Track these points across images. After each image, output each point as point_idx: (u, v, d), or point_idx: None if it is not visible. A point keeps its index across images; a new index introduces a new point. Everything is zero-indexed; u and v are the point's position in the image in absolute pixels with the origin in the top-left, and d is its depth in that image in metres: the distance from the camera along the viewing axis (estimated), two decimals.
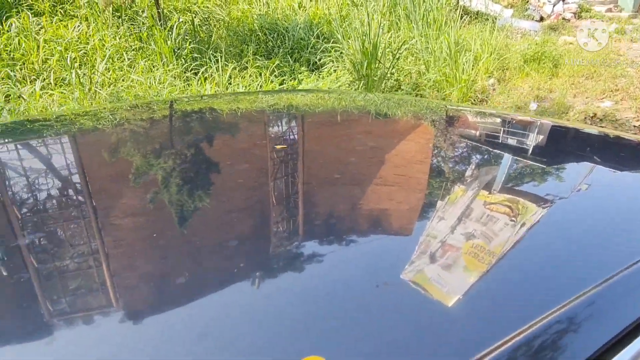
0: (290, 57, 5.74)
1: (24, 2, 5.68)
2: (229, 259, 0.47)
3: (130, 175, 0.64)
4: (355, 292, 0.43)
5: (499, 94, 5.33)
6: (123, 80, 5.04)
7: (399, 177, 0.58)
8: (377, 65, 4.84)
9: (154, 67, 5.21)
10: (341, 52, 5.15)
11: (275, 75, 5.30)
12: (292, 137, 0.75)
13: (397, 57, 4.90)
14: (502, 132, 0.83)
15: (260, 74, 5.25)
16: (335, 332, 0.37)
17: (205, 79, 5.23)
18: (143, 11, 5.74)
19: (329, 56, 5.32)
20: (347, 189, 0.57)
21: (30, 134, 0.89)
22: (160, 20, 5.51)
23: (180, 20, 5.66)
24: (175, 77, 5.14)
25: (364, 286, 0.43)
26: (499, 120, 0.93)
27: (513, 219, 0.50)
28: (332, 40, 5.45)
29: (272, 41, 5.98)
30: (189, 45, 5.49)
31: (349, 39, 4.98)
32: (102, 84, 5.00)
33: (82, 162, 0.70)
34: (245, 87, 5.17)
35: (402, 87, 4.73)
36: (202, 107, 1.11)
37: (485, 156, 0.68)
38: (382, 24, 5.04)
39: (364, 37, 4.82)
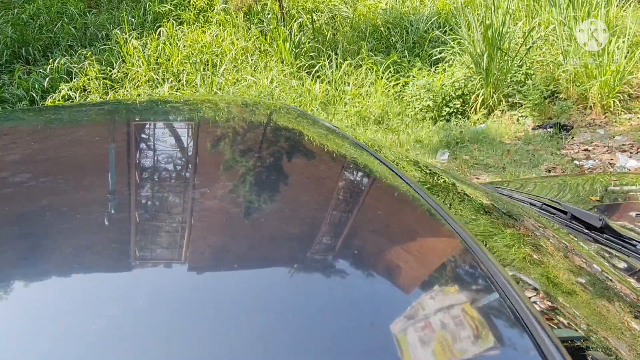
0: (410, 53, 5.36)
1: (173, 12, 6.35)
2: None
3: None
4: (345, 322, 0.43)
5: None
6: (243, 80, 5.27)
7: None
8: (502, 57, 4.19)
9: (274, 67, 5.34)
10: (461, 44, 4.60)
11: (390, 72, 4.99)
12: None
13: (527, 46, 4.18)
14: None
15: (373, 71, 5.00)
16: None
17: (318, 77, 5.17)
18: (268, 13, 5.94)
19: (451, 49, 4.80)
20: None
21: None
22: (283, 21, 5.63)
23: (300, 20, 5.71)
24: (292, 76, 5.20)
25: (359, 317, 0.44)
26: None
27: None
28: (450, 30, 4.92)
29: (395, 36, 5.65)
30: (307, 44, 5.50)
31: (471, 29, 4.42)
32: (225, 85, 5.30)
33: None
34: (355, 85, 4.97)
35: (530, 81, 4.01)
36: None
37: None
38: (511, 9, 4.35)
39: (489, 24, 4.21)
